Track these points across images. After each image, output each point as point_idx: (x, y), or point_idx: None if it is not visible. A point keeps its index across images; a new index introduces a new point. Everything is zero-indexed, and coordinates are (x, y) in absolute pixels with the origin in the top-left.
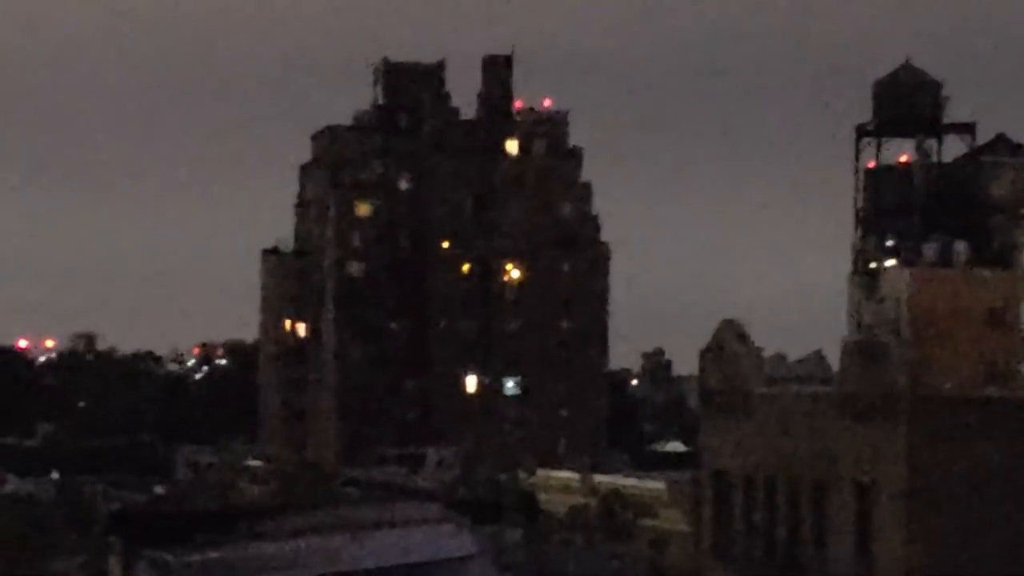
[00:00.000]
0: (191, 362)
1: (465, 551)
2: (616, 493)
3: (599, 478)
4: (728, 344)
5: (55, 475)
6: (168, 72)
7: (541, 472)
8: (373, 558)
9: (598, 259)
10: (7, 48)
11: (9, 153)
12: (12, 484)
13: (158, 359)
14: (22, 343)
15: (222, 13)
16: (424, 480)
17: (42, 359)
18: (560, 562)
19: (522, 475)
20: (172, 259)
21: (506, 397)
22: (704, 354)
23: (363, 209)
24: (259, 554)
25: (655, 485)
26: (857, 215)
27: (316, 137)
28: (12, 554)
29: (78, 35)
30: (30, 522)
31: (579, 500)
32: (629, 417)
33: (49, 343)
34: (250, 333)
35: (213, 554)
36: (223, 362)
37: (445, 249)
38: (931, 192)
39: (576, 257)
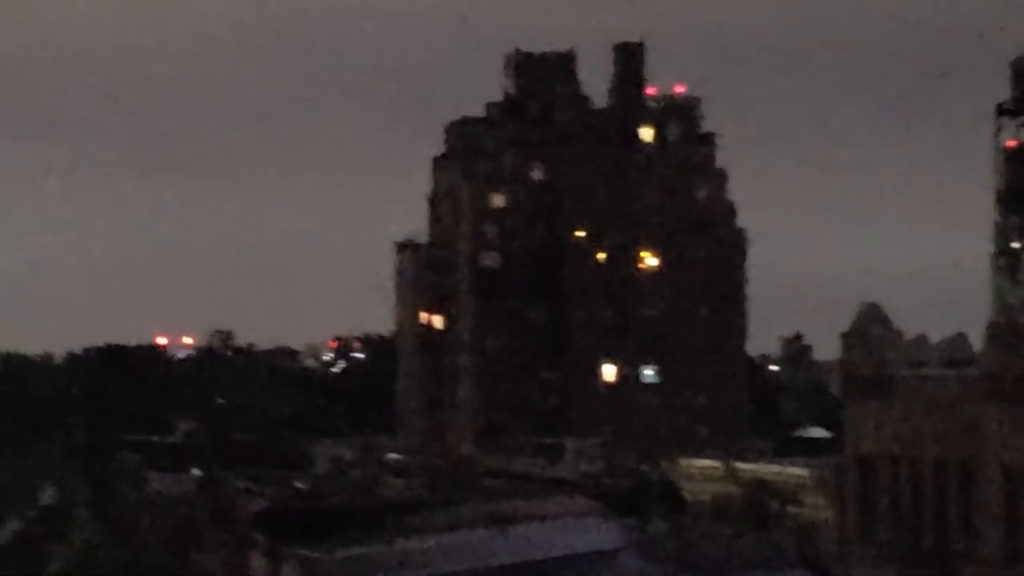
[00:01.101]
0: (328, 356)
1: (612, 543)
2: (760, 481)
3: (741, 466)
4: (870, 328)
5: (196, 471)
6: (301, 66)
7: (683, 461)
8: (520, 552)
9: (734, 245)
10: (144, 46)
11: (146, 151)
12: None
13: (295, 354)
14: (161, 340)
15: (356, 5)
16: (563, 471)
17: (181, 356)
18: (706, 552)
19: (665, 464)
20: (308, 254)
21: (644, 385)
22: (845, 338)
23: (497, 200)
24: (406, 549)
25: (798, 472)
26: (997, 194)
27: (449, 129)
28: (156, 550)
29: (212, 31)
30: (172, 519)
31: (722, 489)
32: (769, 403)
33: (188, 340)
34: (386, 326)
35: (360, 550)
36: (360, 356)
37: (580, 238)
38: None
39: (712, 243)
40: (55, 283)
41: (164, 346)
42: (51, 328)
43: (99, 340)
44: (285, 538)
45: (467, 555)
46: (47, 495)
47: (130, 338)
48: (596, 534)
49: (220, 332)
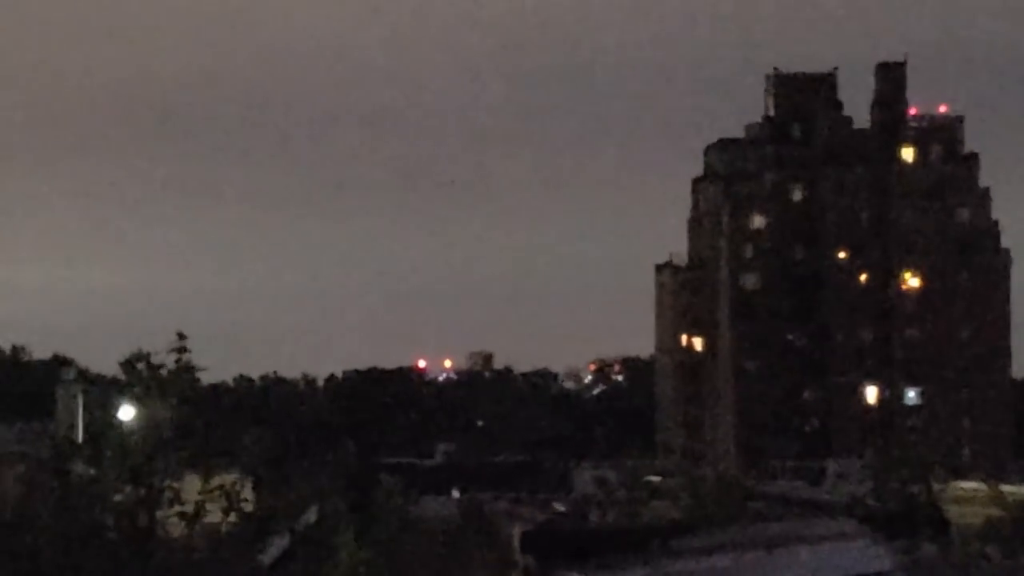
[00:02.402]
0: (587, 378)
1: (881, 567)
2: None
3: (1008, 488)
4: None
5: (456, 493)
6: (560, 88)
7: (949, 483)
8: (789, 575)
9: (999, 266)
10: (401, 69)
11: (409, 174)
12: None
13: (554, 376)
14: (421, 363)
15: (615, 28)
16: (825, 493)
17: (441, 378)
18: None
19: (936, 487)
20: (569, 276)
21: (906, 407)
22: None
23: (756, 221)
24: (673, 572)
25: None
26: None
27: (708, 150)
28: (420, 572)
29: (469, 56)
30: (434, 541)
31: (990, 512)
32: None
33: (447, 363)
34: (645, 348)
35: (627, 573)
36: (619, 378)
37: (841, 258)
38: None
39: (975, 264)
40: (316, 306)
41: (424, 369)
42: (313, 351)
43: (360, 363)
44: (550, 560)
45: None
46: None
47: (391, 360)
48: (866, 557)
49: (480, 354)
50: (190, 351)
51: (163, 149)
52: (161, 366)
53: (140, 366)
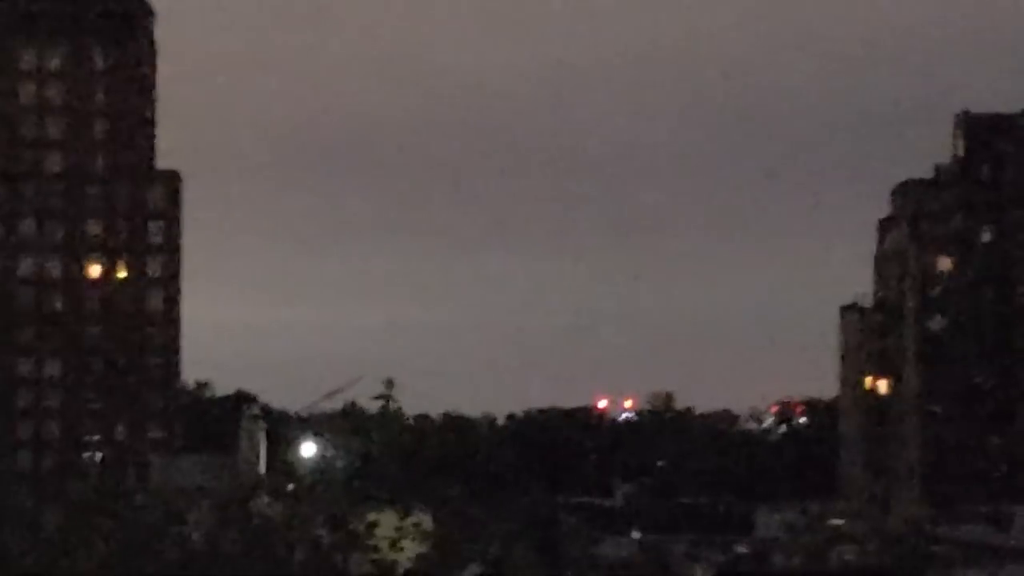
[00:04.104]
0: (769, 420)
1: None
2: None
3: None
4: None
5: (636, 535)
6: (750, 127)
7: None
8: None
9: None
10: (558, 112)
11: (580, 213)
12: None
13: (736, 418)
14: (601, 403)
15: (794, 66)
16: (1012, 540)
17: (621, 418)
18: None
19: None
20: (748, 317)
21: None
22: None
23: (944, 263)
24: None
25: None
26: None
27: (895, 191)
28: None
29: (631, 93)
30: None
31: None
32: None
33: (628, 403)
34: (829, 390)
35: None
36: (802, 420)
37: None
38: None
39: None
40: (498, 343)
41: (605, 409)
42: (494, 388)
43: (541, 401)
44: None
45: None
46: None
47: (571, 399)
48: None
49: (661, 395)
50: (395, 399)
51: (351, 187)
52: (360, 414)
53: (338, 415)
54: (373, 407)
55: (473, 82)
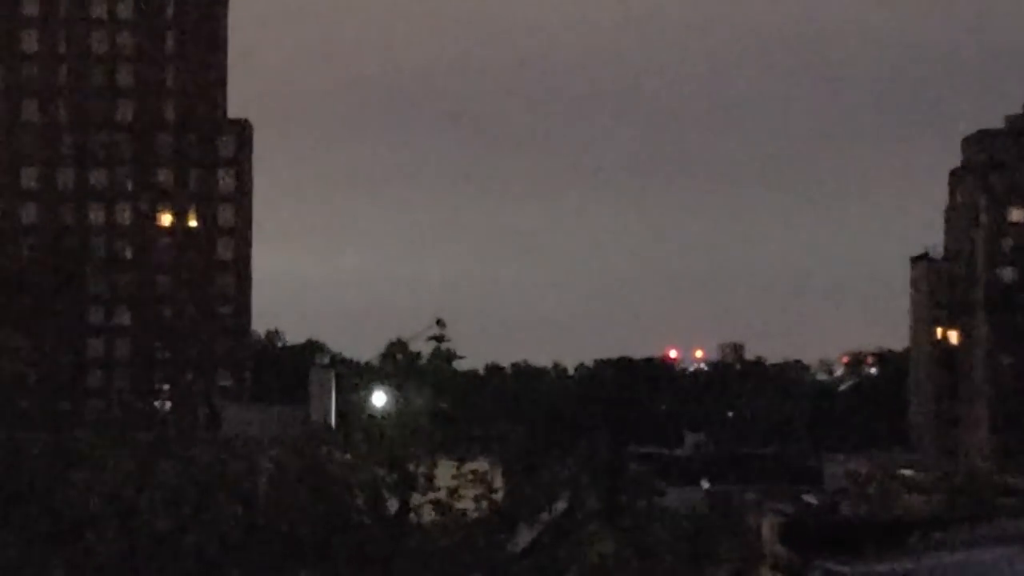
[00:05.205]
0: (839, 371)
1: None
2: None
3: None
4: None
5: (705, 484)
6: (817, 78)
7: None
8: None
9: None
10: (625, 56)
11: (647, 161)
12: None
13: (806, 368)
14: (672, 353)
15: (861, 16)
16: None
17: (691, 369)
18: None
19: None
20: (822, 267)
21: None
22: None
23: (1015, 214)
24: (928, 566)
25: None
26: None
27: (967, 141)
28: (669, 564)
29: (701, 43)
30: (683, 533)
31: None
32: None
33: (698, 353)
34: (899, 341)
35: (883, 566)
36: (872, 371)
37: None
38: None
39: None
40: (568, 294)
41: (675, 359)
42: (564, 339)
43: (612, 351)
44: (808, 551)
45: (988, 573)
46: (559, 505)
47: (643, 350)
48: None
49: (731, 345)
50: (448, 339)
51: (419, 137)
52: (419, 355)
53: (399, 356)
54: (429, 353)
55: (544, 32)
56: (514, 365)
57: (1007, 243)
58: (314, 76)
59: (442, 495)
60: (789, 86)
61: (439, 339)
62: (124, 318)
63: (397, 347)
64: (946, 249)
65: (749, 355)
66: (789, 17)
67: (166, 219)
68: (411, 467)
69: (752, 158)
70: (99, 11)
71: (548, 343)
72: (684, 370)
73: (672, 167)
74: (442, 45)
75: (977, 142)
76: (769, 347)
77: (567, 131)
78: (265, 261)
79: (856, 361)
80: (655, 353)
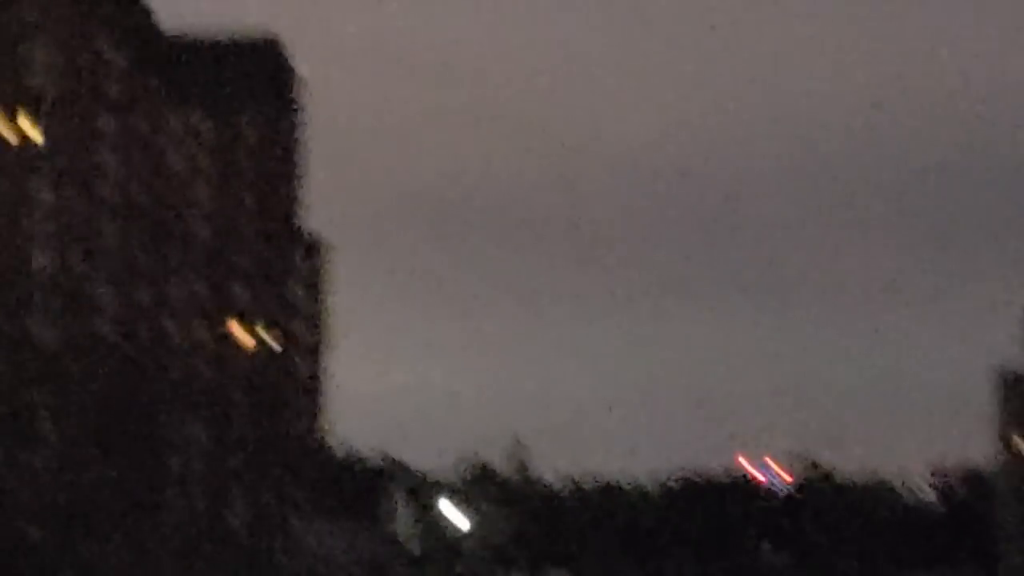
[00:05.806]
0: (923, 486)
1: None
2: None
3: None
4: None
5: None
6: (906, 190)
7: None
8: None
9: None
10: (703, 172)
11: (724, 274)
12: None
13: (891, 487)
14: (749, 469)
15: (954, 118)
16: None
17: (771, 485)
18: None
19: None
20: (905, 381)
21: None
22: None
23: None
24: None
25: None
26: None
27: None
28: None
29: (778, 155)
30: None
31: None
32: None
33: (779, 471)
34: (983, 455)
35: None
36: (958, 488)
37: None
38: None
39: None
40: (639, 406)
41: (753, 476)
42: (633, 452)
43: (682, 464)
44: None
45: None
46: None
47: (717, 464)
48: None
49: (811, 463)
50: (526, 456)
51: (489, 247)
52: (497, 474)
53: (477, 474)
54: (506, 468)
55: (610, 145)
56: (592, 478)
57: None
58: (391, 192)
59: None
60: (874, 197)
61: (517, 457)
62: (199, 432)
63: (477, 467)
64: None
65: (829, 468)
66: (867, 118)
67: (241, 334)
68: None
69: (838, 269)
70: (177, 128)
71: (619, 456)
72: (765, 488)
73: (746, 278)
74: (520, 158)
75: None
76: (854, 465)
77: (632, 247)
78: (343, 376)
79: (941, 478)
80: (729, 465)
